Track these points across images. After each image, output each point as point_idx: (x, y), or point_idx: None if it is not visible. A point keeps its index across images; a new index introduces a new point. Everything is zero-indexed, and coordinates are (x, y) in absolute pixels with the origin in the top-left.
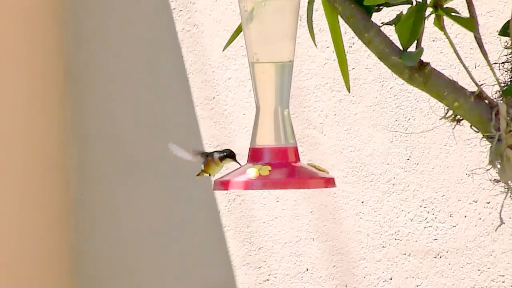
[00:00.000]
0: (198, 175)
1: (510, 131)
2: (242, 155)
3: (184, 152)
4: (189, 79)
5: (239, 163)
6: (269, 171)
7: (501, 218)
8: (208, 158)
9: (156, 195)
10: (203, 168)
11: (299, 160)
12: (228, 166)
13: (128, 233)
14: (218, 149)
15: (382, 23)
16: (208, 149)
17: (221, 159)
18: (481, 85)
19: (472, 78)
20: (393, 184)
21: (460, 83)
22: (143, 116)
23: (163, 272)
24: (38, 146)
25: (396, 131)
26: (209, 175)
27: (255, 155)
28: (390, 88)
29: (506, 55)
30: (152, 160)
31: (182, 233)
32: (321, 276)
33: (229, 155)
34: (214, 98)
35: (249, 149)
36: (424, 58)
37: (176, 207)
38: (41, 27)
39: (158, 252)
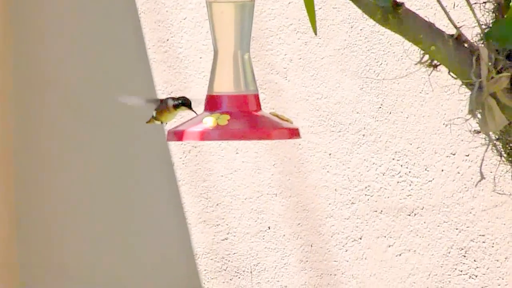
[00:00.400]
0: (148, 121)
1: (492, 77)
2: (198, 102)
3: (136, 100)
4: (140, 19)
5: (195, 112)
6: (228, 120)
7: (481, 173)
8: (161, 104)
9: (104, 145)
10: (154, 115)
11: (261, 109)
12: (183, 114)
13: (74, 188)
14: (173, 95)
15: None
16: (161, 95)
17: (176, 106)
18: (460, 27)
19: (450, 19)
20: (363, 135)
21: (437, 25)
22: (90, 60)
23: (111, 230)
24: None
25: (366, 77)
26: (161, 123)
27: (212, 103)
28: (361, 30)
29: None
30: (100, 108)
31: (132, 187)
32: (284, 235)
33: (184, 102)
34: (168, 40)
35: (206, 96)
36: None
37: (126, 158)
38: None
39: (106, 208)
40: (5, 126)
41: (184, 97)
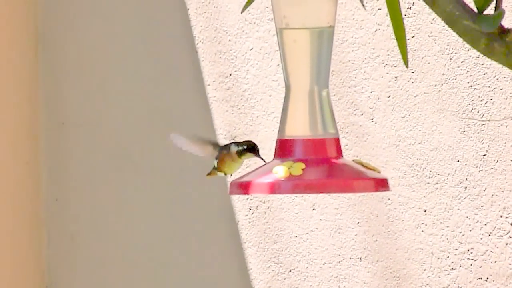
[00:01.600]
0: (209, 174)
1: None
2: (267, 148)
3: (189, 143)
4: (198, 50)
5: (263, 159)
6: (303, 169)
7: None
8: (223, 152)
9: (155, 200)
10: (215, 165)
11: (342, 156)
12: (249, 163)
13: (117, 251)
14: (236, 140)
15: None
16: (223, 141)
17: (240, 153)
18: None
19: None
20: (465, 188)
21: None
22: (138, 98)
23: None
24: (2, 138)
25: (469, 118)
26: (225, 174)
27: (284, 148)
28: (461, 62)
29: None
30: (150, 155)
31: (190, 251)
32: None
33: (250, 148)
34: (231, 75)
35: (277, 141)
36: (506, 23)
37: (182, 216)
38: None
39: (158, 274)
40: (35, 178)
41: (250, 141)
